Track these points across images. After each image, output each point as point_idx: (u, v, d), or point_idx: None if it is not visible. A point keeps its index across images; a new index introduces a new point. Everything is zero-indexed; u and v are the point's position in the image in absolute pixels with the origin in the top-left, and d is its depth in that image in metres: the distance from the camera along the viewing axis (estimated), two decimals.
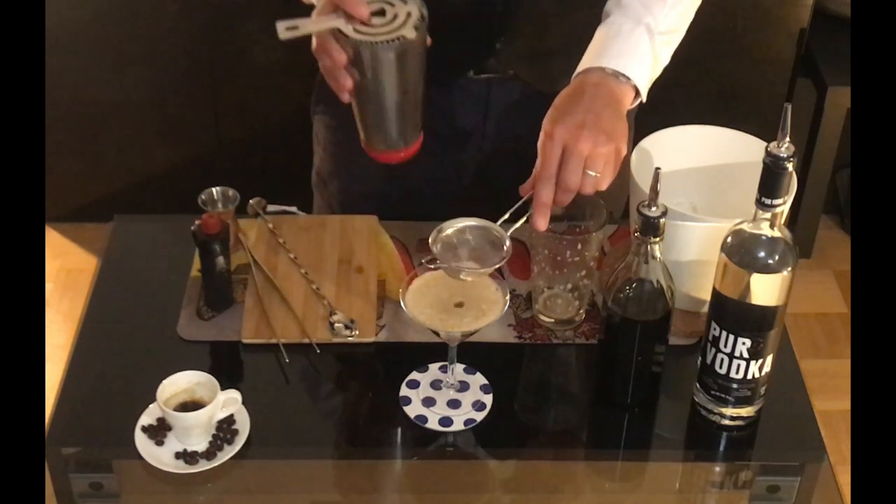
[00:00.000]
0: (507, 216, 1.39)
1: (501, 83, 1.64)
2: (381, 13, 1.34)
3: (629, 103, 1.43)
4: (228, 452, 1.35)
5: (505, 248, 1.36)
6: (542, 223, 1.36)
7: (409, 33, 1.33)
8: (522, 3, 1.56)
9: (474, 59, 1.62)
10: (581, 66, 1.43)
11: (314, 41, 1.37)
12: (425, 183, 1.71)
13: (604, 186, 1.37)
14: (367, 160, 1.55)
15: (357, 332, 1.48)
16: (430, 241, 1.37)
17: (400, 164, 1.47)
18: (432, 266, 1.39)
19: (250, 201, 1.64)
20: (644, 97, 1.45)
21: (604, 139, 1.34)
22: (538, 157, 1.37)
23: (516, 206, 1.39)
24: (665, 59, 1.48)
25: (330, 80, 1.38)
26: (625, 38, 1.43)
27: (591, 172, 1.35)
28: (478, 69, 1.63)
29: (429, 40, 1.38)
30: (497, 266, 1.36)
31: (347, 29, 1.32)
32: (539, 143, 1.37)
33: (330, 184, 1.79)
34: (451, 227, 1.38)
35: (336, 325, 1.49)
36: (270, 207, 1.67)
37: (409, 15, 1.35)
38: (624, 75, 1.40)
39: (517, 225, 1.38)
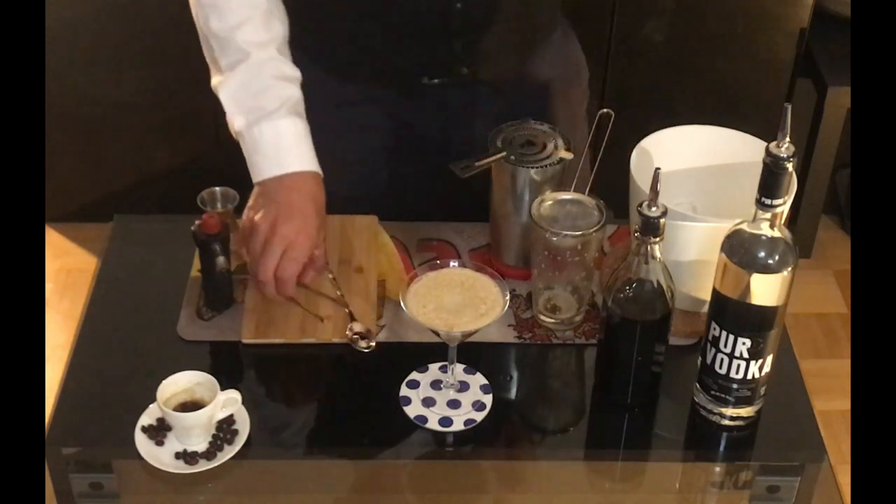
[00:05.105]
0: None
1: (458, 86, 1.63)
2: (531, 143, 1.53)
3: None
4: (228, 452, 1.35)
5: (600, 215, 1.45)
6: None
7: (567, 155, 1.52)
8: (483, 3, 1.55)
9: (433, 63, 1.60)
10: None
11: None
12: (418, 183, 1.70)
13: None
14: (357, 165, 1.54)
15: (374, 344, 1.47)
16: (532, 212, 1.45)
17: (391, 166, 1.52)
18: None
19: None
20: None
21: None
22: None
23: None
24: None
25: None
26: None
27: None
28: (435, 74, 1.61)
29: None
30: (596, 230, 1.44)
31: (510, 159, 1.50)
32: None
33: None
34: (550, 199, 1.47)
35: (354, 336, 1.47)
36: None
37: (555, 144, 1.53)
38: None
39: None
